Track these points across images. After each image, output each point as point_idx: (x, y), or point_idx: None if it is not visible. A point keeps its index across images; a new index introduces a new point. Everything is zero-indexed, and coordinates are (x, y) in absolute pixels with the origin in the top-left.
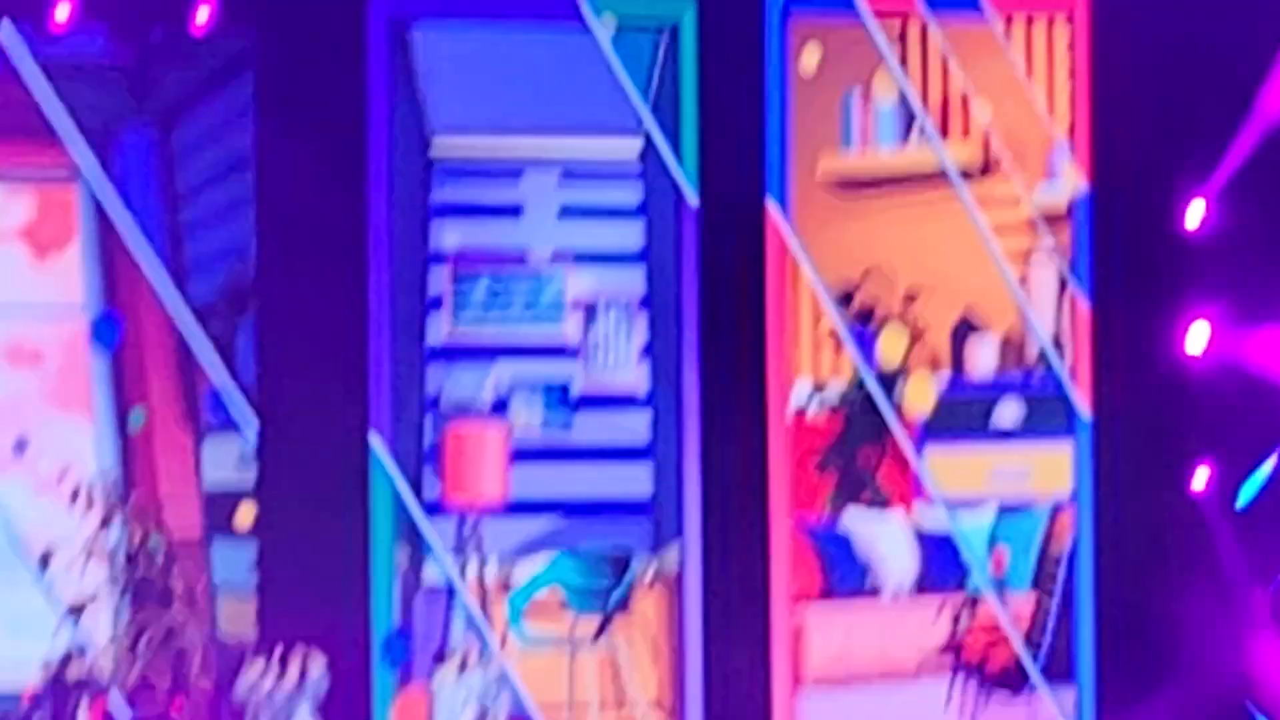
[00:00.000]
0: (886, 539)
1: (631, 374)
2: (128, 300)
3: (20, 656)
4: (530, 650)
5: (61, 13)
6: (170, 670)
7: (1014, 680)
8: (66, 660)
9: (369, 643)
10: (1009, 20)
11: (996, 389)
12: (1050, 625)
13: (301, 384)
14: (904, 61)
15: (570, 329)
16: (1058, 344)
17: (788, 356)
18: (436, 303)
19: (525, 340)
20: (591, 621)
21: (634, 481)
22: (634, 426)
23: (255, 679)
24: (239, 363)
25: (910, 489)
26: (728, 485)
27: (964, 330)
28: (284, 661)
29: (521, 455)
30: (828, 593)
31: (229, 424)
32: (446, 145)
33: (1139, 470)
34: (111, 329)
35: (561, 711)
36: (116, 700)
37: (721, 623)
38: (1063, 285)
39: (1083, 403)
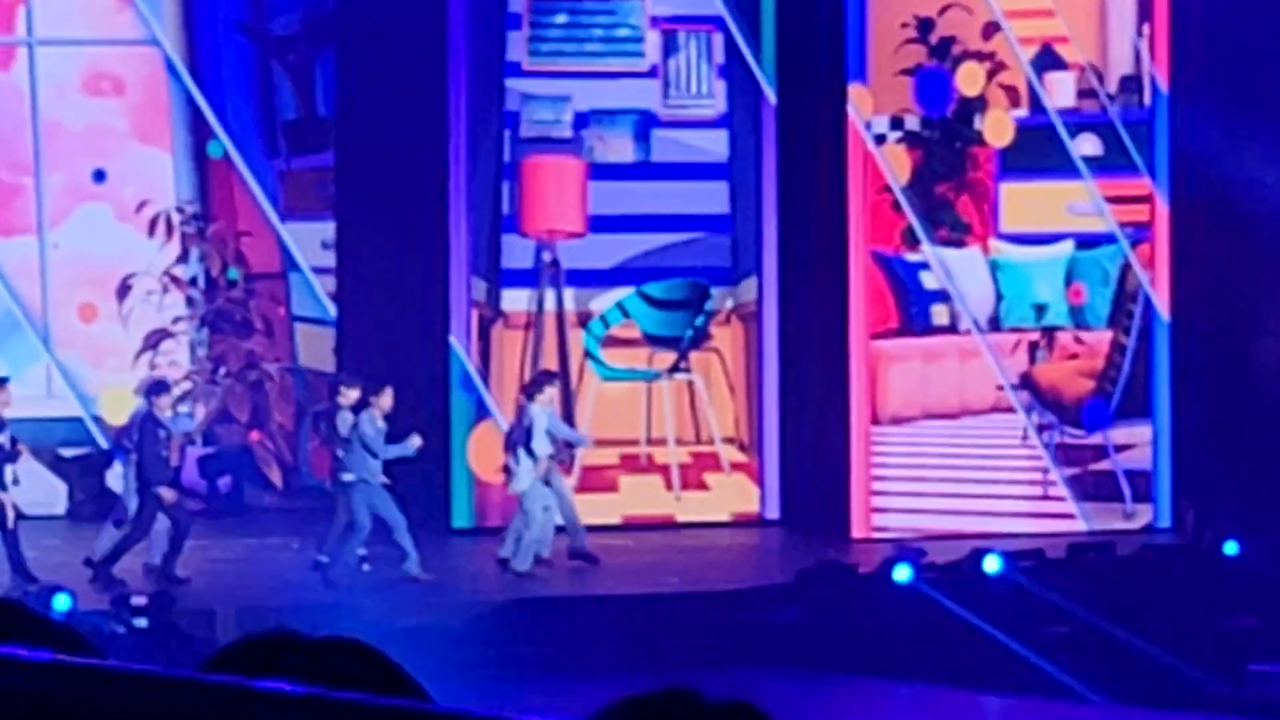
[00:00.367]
0: (964, 273)
1: (710, 97)
2: (207, 32)
3: (101, 383)
4: (607, 383)
5: None
6: (249, 401)
7: (1089, 414)
8: (150, 390)
9: (447, 375)
10: None
11: (1075, 122)
12: (1127, 359)
13: (379, 113)
14: None
15: (649, 52)
16: (1136, 78)
17: (866, 92)
18: (515, 21)
19: (604, 67)
20: (668, 354)
21: (713, 200)
22: (713, 148)
23: (330, 407)
24: (318, 94)
25: (988, 222)
26: (805, 216)
27: (1043, 63)
28: (359, 391)
29: (601, 177)
30: (905, 327)
31: (308, 153)
32: None
33: (1215, 203)
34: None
35: (638, 445)
36: (197, 432)
37: (798, 357)
38: (1142, 18)
39: (1161, 136)
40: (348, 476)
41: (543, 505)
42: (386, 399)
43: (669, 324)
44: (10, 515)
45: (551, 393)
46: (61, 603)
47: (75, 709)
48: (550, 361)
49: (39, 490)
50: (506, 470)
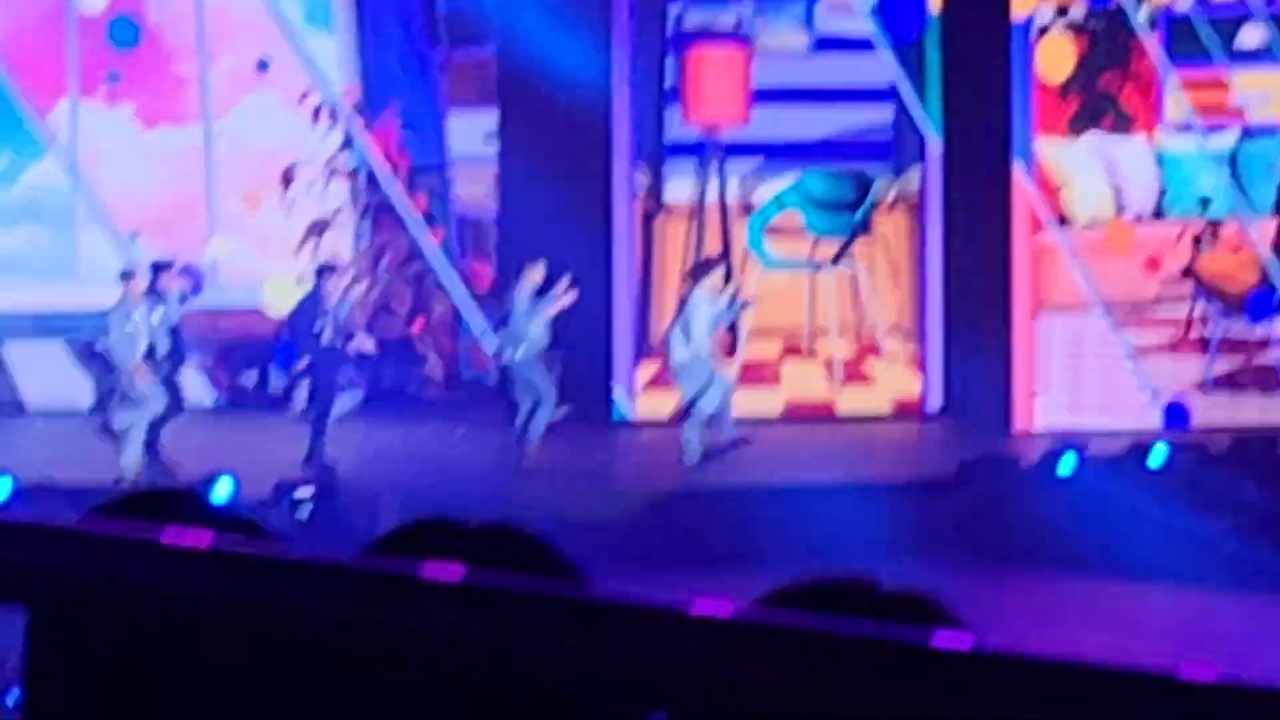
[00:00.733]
0: (1128, 162)
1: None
2: None
3: (263, 274)
4: (770, 272)
5: None
6: (410, 292)
7: (1255, 306)
8: (319, 271)
9: (609, 265)
10: None
11: (1241, 11)
12: None
13: (541, 3)
14: None
15: None
16: None
17: None
18: None
19: None
20: (832, 243)
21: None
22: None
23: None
24: None
25: (1152, 112)
26: (969, 104)
27: None
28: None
29: (765, 64)
30: (1068, 218)
31: (470, 43)
32: None
33: None
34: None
35: (801, 334)
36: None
37: (962, 245)
38: None
39: None
40: (514, 354)
41: (700, 384)
42: (536, 273)
43: (832, 214)
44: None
45: (715, 279)
46: (224, 490)
47: (241, 593)
48: (713, 251)
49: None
50: (665, 348)
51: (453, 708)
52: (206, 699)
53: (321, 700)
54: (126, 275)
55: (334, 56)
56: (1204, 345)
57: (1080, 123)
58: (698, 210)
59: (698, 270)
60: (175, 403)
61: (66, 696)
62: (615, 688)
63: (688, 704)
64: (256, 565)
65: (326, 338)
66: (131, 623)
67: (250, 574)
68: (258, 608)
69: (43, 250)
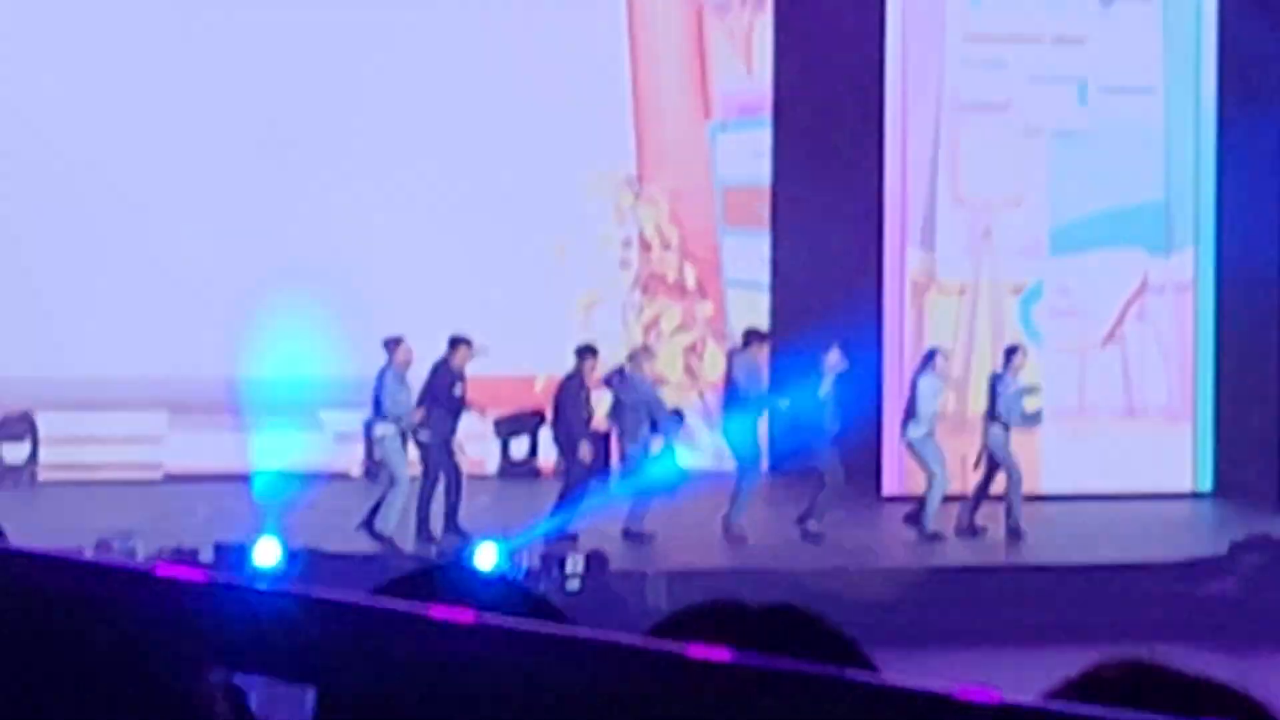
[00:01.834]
0: None
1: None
2: None
3: (530, 348)
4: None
5: None
6: (683, 363)
7: None
8: (581, 354)
9: (880, 339)
10: None
11: None
12: None
13: (816, 79)
14: None
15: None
16: None
17: None
18: None
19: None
20: (1104, 324)
21: (1148, 169)
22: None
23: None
24: (754, 58)
25: None
26: (1243, 184)
27: None
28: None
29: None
30: None
31: (745, 116)
32: None
33: None
34: None
35: (1072, 414)
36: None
37: (1233, 327)
38: None
39: None
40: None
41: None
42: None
43: (1104, 294)
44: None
45: (943, 365)
46: (490, 559)
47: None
48: (984, 329)
49: (477, 448)
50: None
51: None
52: None
53: None
54: (392, 343)
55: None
56: None
57: None
58: (970, 288)
59: (925, 359)
60: (452, 472)
61: None
62: None
63: None
64: (534, 640)
65: (582, 411)
66: (413, 702)
67: (522, 649)
68: (530, 684)
69: None
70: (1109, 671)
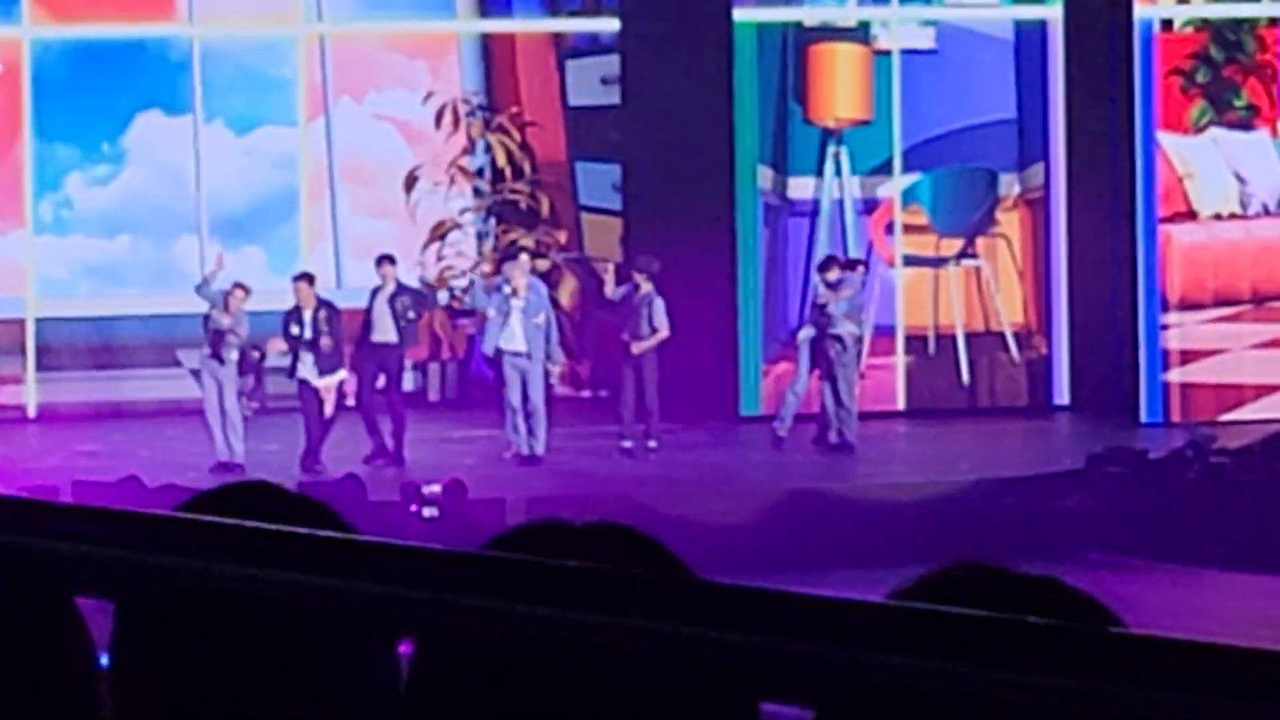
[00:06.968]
0: (1251, 156)
1: None
2: None
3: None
4: (895, 269)
5: None
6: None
7: None
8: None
9: (734, 262)
10: None
11: None
12: None
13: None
14: None
15: None
16: None
17: None
18: None
19: None
20: (955, 240)
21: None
22: (1000, 33)
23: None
24: None
25: (1277, 105)
26: (1092, 101)
27: None
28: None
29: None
30: (1192, 212)
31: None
32: None
33: None
34: None
35: (926, 331)
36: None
37: (1086, 242)
38: None
39: None
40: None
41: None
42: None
43: (956, 210)
44: (330, 404)
45: (834, 275)
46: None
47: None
48: (835, 248)
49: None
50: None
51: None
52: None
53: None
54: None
55: (457, 56)
56: None
57: (1204, 116)
58: (821, 208)
59: (822, 265)
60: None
61: (153, 693)
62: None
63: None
64: (337, 549)
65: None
66: (217, 617)
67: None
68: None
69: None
70: (946, 574)
